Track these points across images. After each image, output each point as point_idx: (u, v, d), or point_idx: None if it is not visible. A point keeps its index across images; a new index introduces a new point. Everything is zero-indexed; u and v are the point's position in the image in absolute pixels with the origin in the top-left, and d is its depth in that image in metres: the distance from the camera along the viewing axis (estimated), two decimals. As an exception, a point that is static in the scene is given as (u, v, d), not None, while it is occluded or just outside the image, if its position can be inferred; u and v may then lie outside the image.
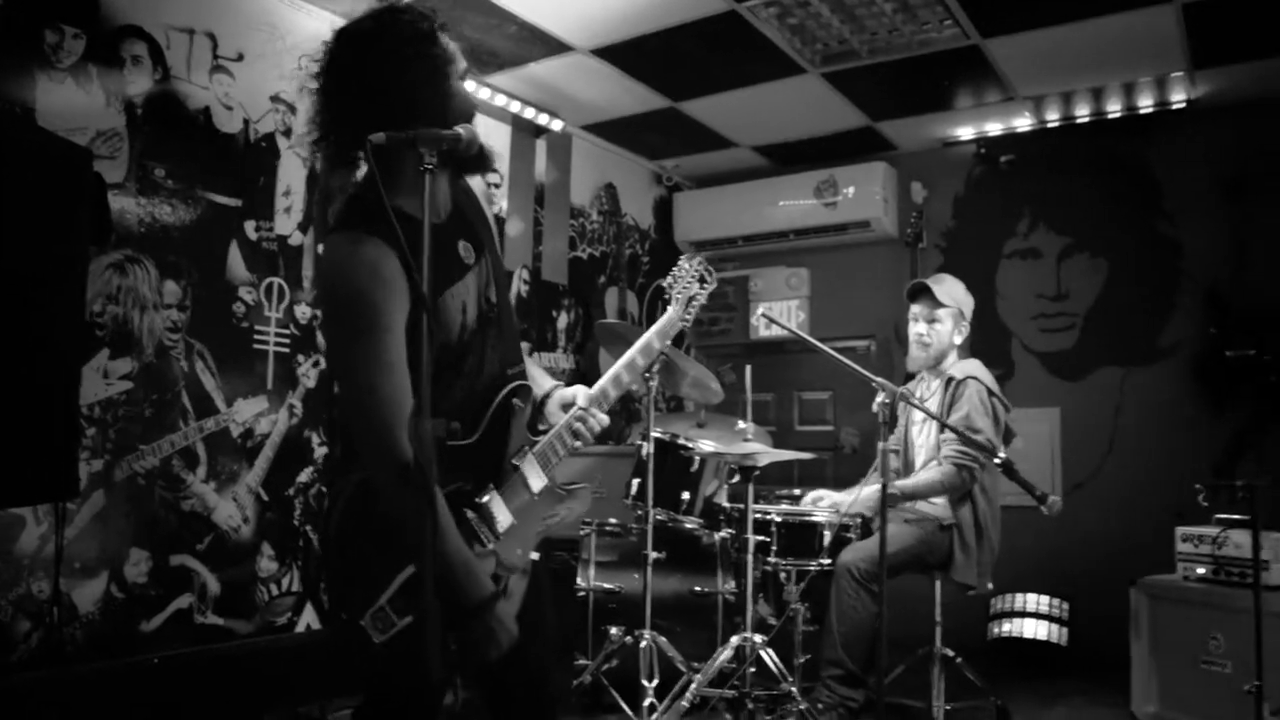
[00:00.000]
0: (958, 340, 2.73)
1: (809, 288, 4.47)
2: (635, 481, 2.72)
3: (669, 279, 1.64)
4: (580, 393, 1.42)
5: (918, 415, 2.77)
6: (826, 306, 4.46)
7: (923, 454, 2.73)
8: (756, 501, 2.74)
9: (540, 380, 1.46)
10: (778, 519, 2.69)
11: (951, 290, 2.73)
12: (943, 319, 2.72)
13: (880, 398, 2.00)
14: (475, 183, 1.40)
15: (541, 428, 1.40)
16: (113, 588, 2.49)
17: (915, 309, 2.76)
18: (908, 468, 2.77)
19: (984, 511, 2.60)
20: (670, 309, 1.59)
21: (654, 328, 1.55)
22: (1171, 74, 3.31)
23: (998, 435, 2.59)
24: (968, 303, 2.77)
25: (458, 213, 1.33)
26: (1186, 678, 2.56)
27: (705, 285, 1.66)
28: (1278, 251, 3.34)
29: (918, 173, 4.14)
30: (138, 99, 2.59)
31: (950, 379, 2.64)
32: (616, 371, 1.47)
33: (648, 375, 2.41)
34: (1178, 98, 3.47)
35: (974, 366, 2.68)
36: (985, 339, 3.93)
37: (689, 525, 2.83)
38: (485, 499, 1.27)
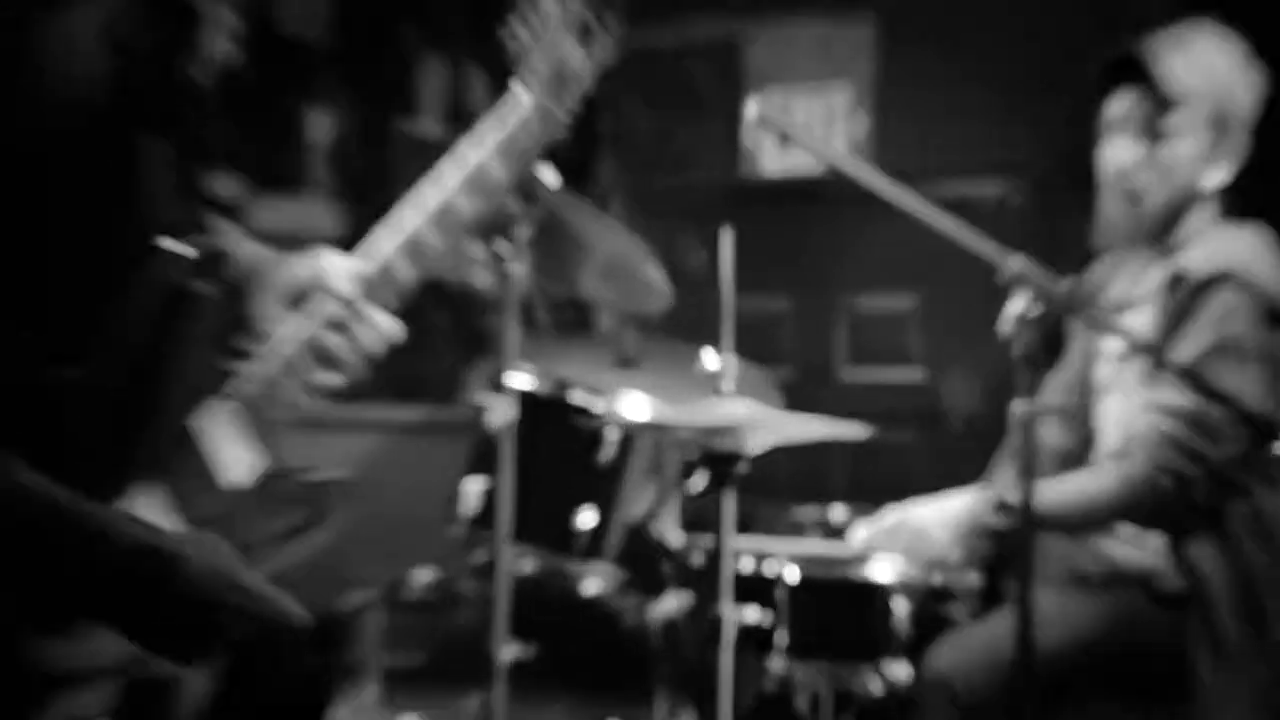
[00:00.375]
0: (1212, 180, 2.69)
1: (872, 64, 4.59)
2: (476, 487, 2.83)
3: (512, 25, 1.75)
4: (334, 270, 1.54)
5: (1111, 344, 2.78)
6: (908, 104, 4.48)
7: (1120, 425, 2.74)
8: (745, 531, 2.81)
9: (247, 250, 1.60)
10: (792, 575, 2.72)
11: (1204, 61, 2.69)
12: (1179, 130, 2.66)
13: (1020, 306, 2.00)
14: None
15: (249, 347, 1.51)
16: None
17: (1119, 107, 2.73)
18: (1084, 454, 2.79)
19: (1258, 565, 2.57)
20: (518, 92, 1.71)
21: (485, 132, 1.65)
22: None
23: None
24: (1241, 81, 2.70)
25: None
26: None
27: (593, 42, 1.79)
28: None
29: None
30: None
31: (1185, 276, 2.62)
32: (415, 227, 1.60)
33: (502, 254, 2.39)
34: None
35: (1243, 247, 2.67)
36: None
37: (592, 584, 2.97)
38: (126, 501, 1.39)
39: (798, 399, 3.73)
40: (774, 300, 4.53)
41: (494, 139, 1.69)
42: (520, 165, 1.73)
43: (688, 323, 3.10)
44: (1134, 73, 2.72)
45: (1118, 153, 2.73)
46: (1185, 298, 2.62)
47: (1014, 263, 2.07)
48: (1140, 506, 2.58)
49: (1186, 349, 2.55)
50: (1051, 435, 2.87)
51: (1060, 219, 4.16)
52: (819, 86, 4.64)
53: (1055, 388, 2.93)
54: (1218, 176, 2.71)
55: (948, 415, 4.43)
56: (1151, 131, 2.70)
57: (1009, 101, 4.44)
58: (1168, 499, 2.54)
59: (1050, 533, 2.65)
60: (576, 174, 3.34)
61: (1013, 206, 4.36)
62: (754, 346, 3.71)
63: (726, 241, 2.66)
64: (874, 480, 3.87)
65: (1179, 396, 2.50)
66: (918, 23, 4.59)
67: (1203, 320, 2.58)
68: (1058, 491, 2.57)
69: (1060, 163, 4.27)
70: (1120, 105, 2.74)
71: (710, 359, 2.68)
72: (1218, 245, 2.67)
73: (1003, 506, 2.63)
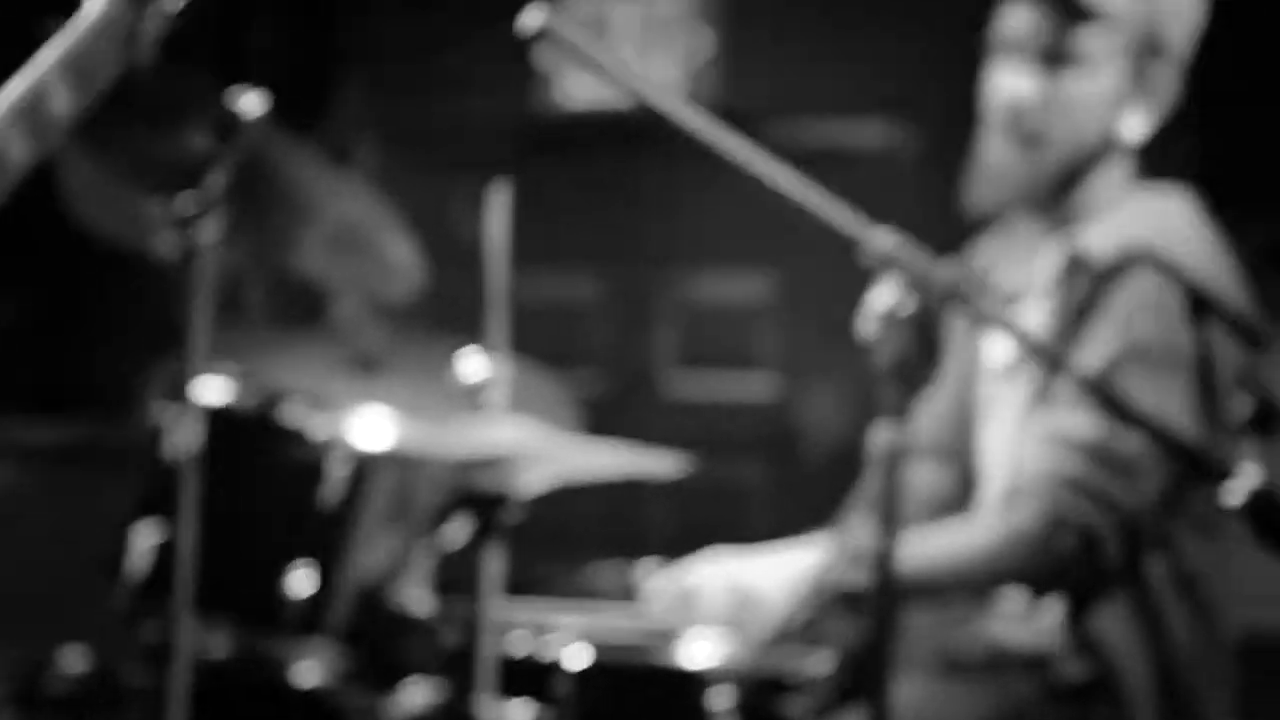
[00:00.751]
0: (1131, 129, 2.85)
1: None
2: (147, 538, 2.89)
3: None
4: None
5: (997, 354, 2.93)
6: (770, 21, 4.71)
7: (1006, 463, 2.90)
8: (518, 594, 3.00)
9: None
10: (580, 658, 2.81)
11: None
12: (1094, 56, 2.79)
13: (887, 299, 2.02)
14: None
15: None
16: None
17: (1015, 19, 2.86)
18: (963, 501, 2.96)
19: (1183, 642, 2.74)
20: None
21: None
22: None
23: (1214, 426, 2.71)
24: (1177, 7, 2.87)
25: None
26: None
27: None
28: None
29: None
30: None
31: (1088, 257, 2.79)
32: None
33: (186, 212, 2.48)
34: None
35: (1163, 220, 2.84)
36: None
37: (307, 672, 3.04)
38: None
39: (606, 418, 3.89)
40: (575, 281, 4.57)
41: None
42: (88, 83, 1.64)
43: (459, 312, 3.14)
44: None
45: (1010, 81, 2.81)
46: (1089, 287, 2.72)
47: (880, 239, 2.03)
48: (1031, 570, 2.68)
49: (1091, 356, 2.65)
50: (923, 475, 2.98)
51: (949, 177, 4.01)
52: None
53: (930, 412, 3.03)
54: (1138, 125, 2.81)
55: (806, 443, 4.49)
56: (1056, 55, 2.79)
57: (900, 18, 4.63)
58: (1068, 561, 2.63)
59: (914, 604, 2.72)
60: (305, 103, 3.41)
61: (903, 159, 4.52)
62: (546, 345, 3.96)
63: (499, 200, 2.71)
64: (704, 530, 3.80)
65: (1082, 422, 2.59)
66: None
67: (1112, 317, 2.69)
68: (921, 550, 2.60)
69: (969, 101, 4.31)
70: (1017, 16, 2.81)
71: (473, 363, 2.74)
72: (1131, 217, 2.79)
73: (862, 559, 2.61)
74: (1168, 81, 2.87)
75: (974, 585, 2.77)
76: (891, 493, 1.92)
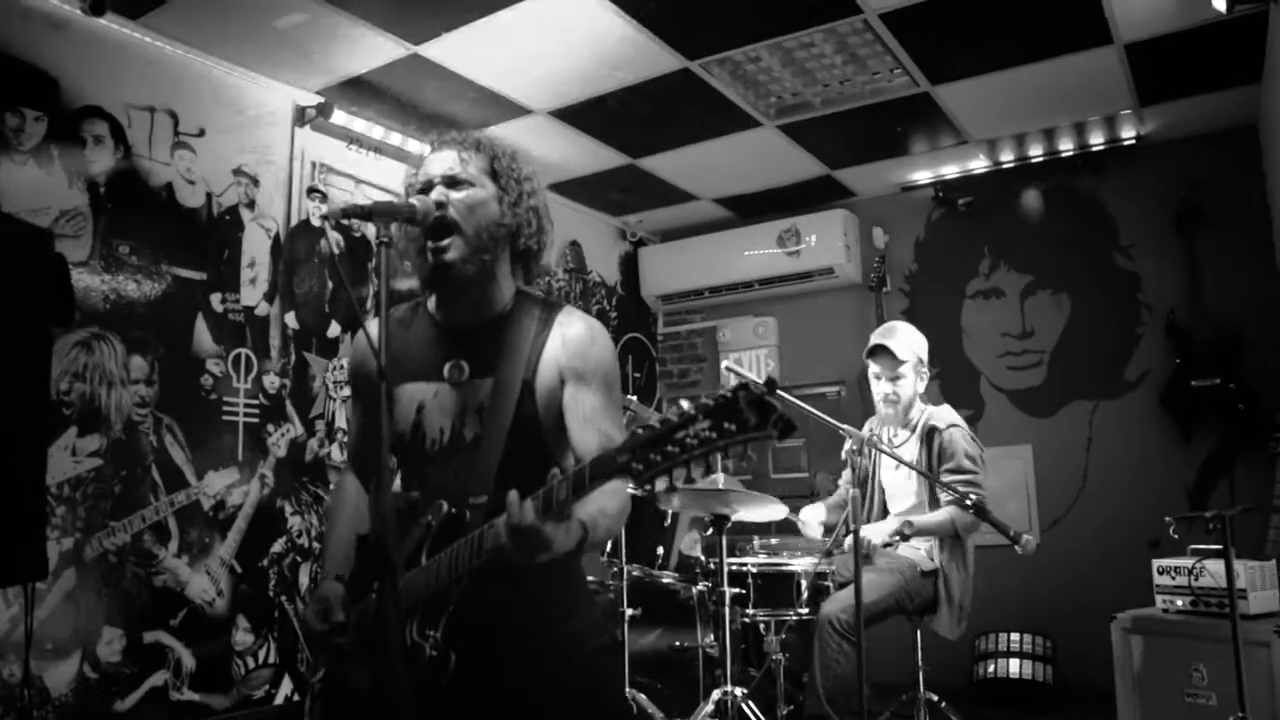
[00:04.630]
0: (921, 388, 4.76)
1: (776, 335, 7.87)
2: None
3: None
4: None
5: (888, 459, 4.68)
6: (795, 353, 7.74)
7: (903, 499, 4.69)
8: (733, 553, 4.51)
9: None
10: (754, 570, 4.41)
11: (907, 341, 4.73)
12: (905, 374, 4.66)
13: (848, 445, 3.81)
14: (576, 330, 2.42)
15: None
16: (85, 668, 4.00)
17: (876, 368, 4.70)
18: (878, 511, 4.88)
19: (969, 555, 4.56)
20: None
21: None
22: (1120, 112, 6.54)
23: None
24: (923, 347, 4.71)
25: (482, 330, 2.40)
26: (1171, 711, 4.41)
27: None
28: (1229, 281, 6.52)
29: (878, 218, 7.64)
30: (100, 177, 4.54)
31: (932, 429, 4.57)
32: None
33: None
34: (1127, 134, 6.93)
35: (950, 413, 4.65)
36: (953, 378, 6.91)
37: (665, 580, 4.64)
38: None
39: (753, 488, 5.12)
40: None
41: None
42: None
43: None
44: (878, 351, 4.64)
45: (880, 388, 4.63)
46: (939, 440, 4.48)
47: (845, 426, 3.52)
48: (960, 526, 4.27)
49: (953, 462, 4.40)
50: (843, 494, 4.94)
51: (864, 401, 6.25)
52: (755, 347, 7.41)
53: (845, 481, 4.93)
54: (924, 385, 4.67)
55: (819, 493, 6.51)
56: (894, 376, 4.62)
57: (838, 350, 7.31)
58: (970, 522, 4.22)
59: (918, 537, 4.31)
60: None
61: (842, 396, 7.11)
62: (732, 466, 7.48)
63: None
64: (790, 525, 5.14)
65: (961, 478, 4.38)
66: (796, 318, 7.49)
67: (952, 447, 4.44)
68: (928, 520, 4.17)
69: (858, 378, 6.82)
70: (876, 366, 4.64)
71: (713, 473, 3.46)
72: (941, 413, 4.58)
73: (856, 538, 3.56)
74: (926, 368, 4.52)
75: (937, 533, 4.29)
76: (854, 510, 3.13)
